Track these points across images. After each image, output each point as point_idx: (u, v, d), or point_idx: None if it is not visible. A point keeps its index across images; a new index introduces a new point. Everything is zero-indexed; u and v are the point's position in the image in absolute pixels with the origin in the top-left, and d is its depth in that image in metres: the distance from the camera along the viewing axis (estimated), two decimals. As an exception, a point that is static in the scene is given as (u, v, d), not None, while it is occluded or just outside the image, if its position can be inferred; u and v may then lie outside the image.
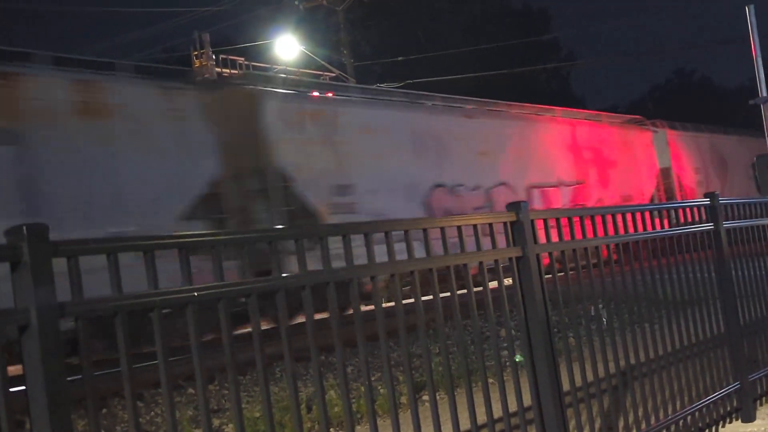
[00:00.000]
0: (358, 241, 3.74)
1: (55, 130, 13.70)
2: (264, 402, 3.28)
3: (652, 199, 28.67)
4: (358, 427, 3.82)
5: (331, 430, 7.47)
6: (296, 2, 32.53)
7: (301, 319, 6.47)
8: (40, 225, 2.56)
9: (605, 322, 5.30)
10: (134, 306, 2.86)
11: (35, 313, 2.51)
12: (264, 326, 3.49)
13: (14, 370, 2.90)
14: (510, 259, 4.64)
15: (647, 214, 5.96)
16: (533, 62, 46.97)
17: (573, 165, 26.22)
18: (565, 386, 4.77)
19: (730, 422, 6.34)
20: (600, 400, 5.18)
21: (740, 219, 7.02)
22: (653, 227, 5.98)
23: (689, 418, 5.82)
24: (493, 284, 4.55)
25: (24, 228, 2.53)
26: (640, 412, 5.38)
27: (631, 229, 5.69)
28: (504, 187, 22.88)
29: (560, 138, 26.06)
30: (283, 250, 3.60)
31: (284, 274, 3.38)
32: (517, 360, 4.63)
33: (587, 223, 5.31)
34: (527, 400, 4.54)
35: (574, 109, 31.63)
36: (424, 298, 4.07)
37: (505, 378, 4.52)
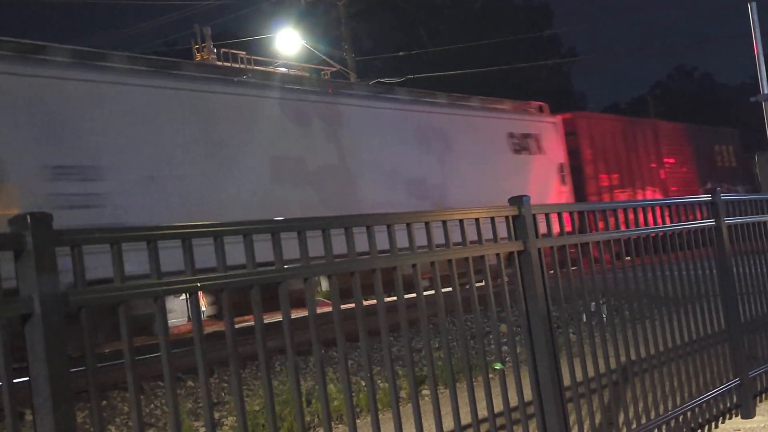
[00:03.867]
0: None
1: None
2: (266, 393, 3.27)
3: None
4: (357, 421, 3.81)
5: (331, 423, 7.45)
6: (297, -4, 32.47)
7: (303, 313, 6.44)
8: (44, 213, 2.56)
9: (605, 318, 5.30)
10: (138, 295, 2.85)
11: (38, 302, 2.50)
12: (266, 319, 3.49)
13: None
14: (511, 253, 4.63)
15: (649, 210, 5.95)
16: (534, 58, 46.90)
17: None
18: (566, 381, 4.77)
19: (730, 418, 6.35)
20: (600, 395, 5.18)
21: (742, 215, 7.02)
22: (655, 223, 5.97)
23: (689, 413, 5.83)
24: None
25: (28, 216, 2.52)
26: (641, 407, 5.39)
27: (632, 225, 5.69)
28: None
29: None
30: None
31: (286, 266, 3.38)
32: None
33: (590, 218, 5.30)
34: (528, 394, 4.54)
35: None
36: (425, 294, 4.07)
37: (505, 372, 4.52)
